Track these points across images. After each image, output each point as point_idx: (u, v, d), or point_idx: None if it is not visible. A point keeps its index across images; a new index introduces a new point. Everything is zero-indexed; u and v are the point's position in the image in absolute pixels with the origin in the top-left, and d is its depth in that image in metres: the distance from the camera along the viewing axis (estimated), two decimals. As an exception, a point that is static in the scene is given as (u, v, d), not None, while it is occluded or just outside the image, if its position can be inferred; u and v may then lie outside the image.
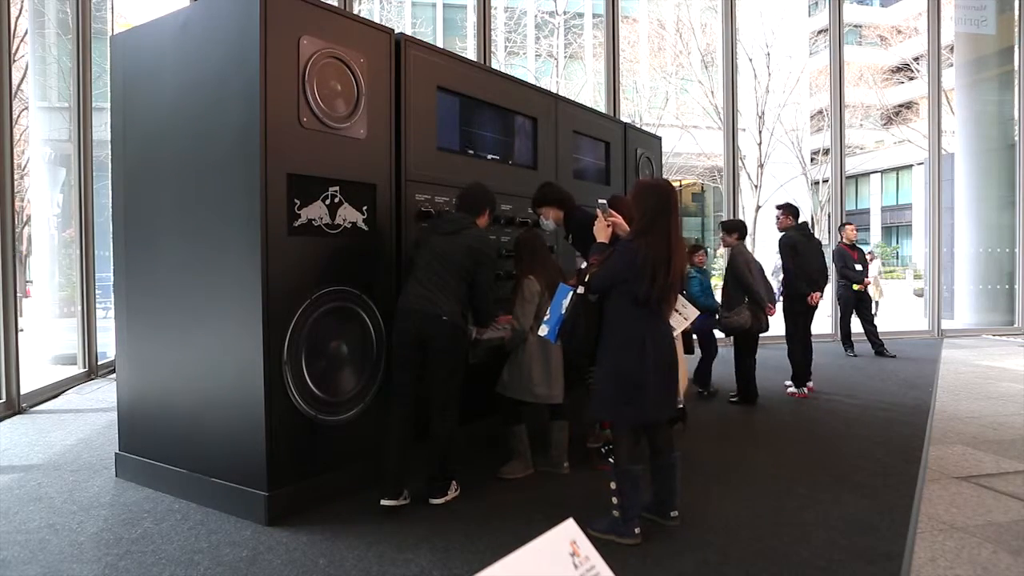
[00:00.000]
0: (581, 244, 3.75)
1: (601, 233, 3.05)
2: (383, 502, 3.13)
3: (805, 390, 5.86)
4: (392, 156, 3.66)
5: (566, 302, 2.97)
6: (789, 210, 6.15)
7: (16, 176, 8.38)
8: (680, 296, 4.33)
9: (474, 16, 8.82)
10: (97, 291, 6.69)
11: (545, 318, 3.08)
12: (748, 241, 6.92)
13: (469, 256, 3.29)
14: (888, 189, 32.55)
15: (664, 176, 8.91)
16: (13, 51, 5.93)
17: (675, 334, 4.21)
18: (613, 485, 2.87)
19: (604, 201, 3.15)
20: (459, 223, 3.38)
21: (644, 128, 8.54)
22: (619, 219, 3.04)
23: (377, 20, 19.15)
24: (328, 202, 3.33)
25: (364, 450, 3.47)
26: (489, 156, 4.46)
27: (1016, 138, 10.62)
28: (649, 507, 3.03)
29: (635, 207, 2.96)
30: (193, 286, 3.33)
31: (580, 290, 2.98)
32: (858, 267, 8.13)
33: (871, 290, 9.45)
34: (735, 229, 5.66)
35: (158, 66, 3.47)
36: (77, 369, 6.47)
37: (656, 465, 3.01)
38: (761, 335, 5.63)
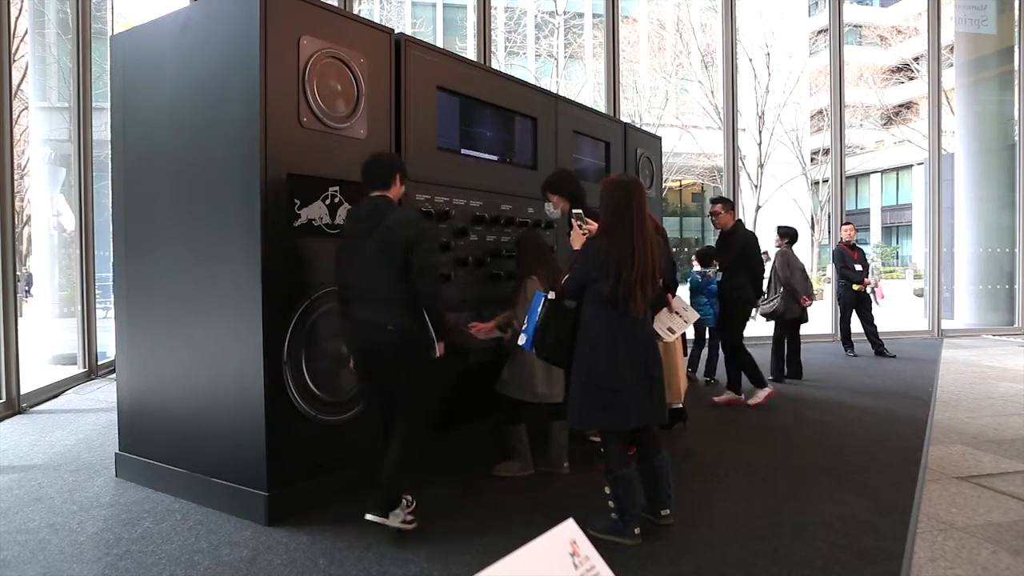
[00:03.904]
0: None
1: (577, 242, 3.04)
2: (367, 516, 2.85)
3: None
4: (392, 156, 3.66)
5: (540, 309, 2.96)
6: (730, 206, 5.69)
7: (16, 176, 8.38)
8: (680, 299, 4.34)
9: (474, 16, 8.81)
10: (97, 291, 6.69)
11: (523, 327, 3.07)
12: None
13: (403, 248, 2.86)
14: (888, 189, 32.55)
15: (664, 176, 8.92)
16: (13, 51, 5.93)
17: (674, 337, 4.24)
18: (607, 489, 2.87)
19: (580, 211, 3.14)
20: (375, 214, 2.92)
21: (644, 128, 8.54)
22: (595, 227, 3.01)
23: (377, 20, 19.15)
24: (328, 202, 3.33)
25: (364, 450, 3.46)
26: (489, 156, 4.46)
27: (1016, 138, 10.62)
28: (644, 507, 3.03)
29: (600, 205, 2.93)
30: (193, 286, 3.33)
31: (551, 295, 2.97)
32: (858, 267, 8.13)
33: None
34: (787, 235, 6.63)
35: (158, 66, 3.47)
36: (77, 369, 6.48)
37: (644, 467, 2.99)
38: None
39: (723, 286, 5.59)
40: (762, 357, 5.95)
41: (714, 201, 5.74)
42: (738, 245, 5.51)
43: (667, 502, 3.01)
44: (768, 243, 6.76)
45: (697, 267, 6.48)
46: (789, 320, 6.51)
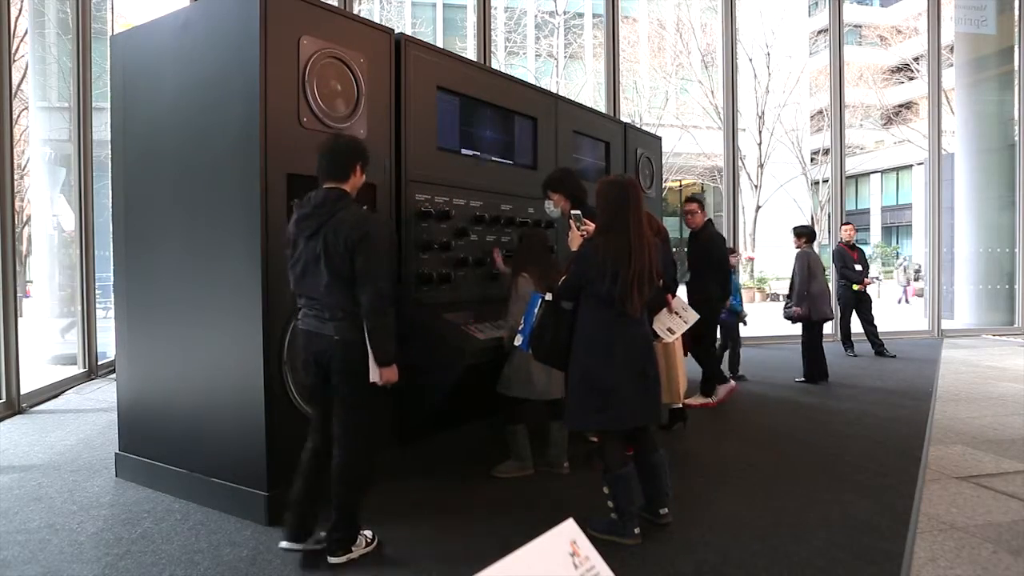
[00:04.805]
0: None
1: (575, 243, 3.03)
2: (281, 544, 2.70)
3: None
4: (392, 156, 3.66)
5: (537, 310, 2.96)
6: (702, 206, 5.58)
7: (16, 176, 8.38)
8: (680, 299, 4.34)
9: (474, 16, 8.82)
10: (97, 291, 6.69)
11: (519, 327, 3.07)
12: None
13: (348, 250, 2.51)
14: (888, 189, 32.54)
15: (664, 176, 8.93)
16: (13, 51, 5.93)
17: (674, 337, 4.23)
18: (606, 489, 2.88)
19: (578, 211, 3.14)
20: (321, 212, 2.56)
21: (644, 128, 8.54)
22: (592, 228, 3.01)
23: (377, 20, 19.14)
24: (328, 202, 3.32)
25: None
26: (490, 156, 4.46)
27: (1016, 138, 10.62)
28: (642, 506, 3.03)
29: (597, 206, 2.93)
30: (193, 286, 3.33)
31: (548, 297, 2.97)
32: (857, 267, 8.13)
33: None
34: (803, 234, 6.54)
35: (158, 66, 3.47)
36: (77, 369, 6.48)
37: (641, 466, 2.99)
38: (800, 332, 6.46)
39: (688, 287, 5.45)
40: (783, 359, 5.95)
41: (689, 200, 5.56)
42: (701, 245, 5.39)
43: (665, 501, 3.01)
44: (764, 246, 6.72)
45: None
46: (817, 321, 6.36)
